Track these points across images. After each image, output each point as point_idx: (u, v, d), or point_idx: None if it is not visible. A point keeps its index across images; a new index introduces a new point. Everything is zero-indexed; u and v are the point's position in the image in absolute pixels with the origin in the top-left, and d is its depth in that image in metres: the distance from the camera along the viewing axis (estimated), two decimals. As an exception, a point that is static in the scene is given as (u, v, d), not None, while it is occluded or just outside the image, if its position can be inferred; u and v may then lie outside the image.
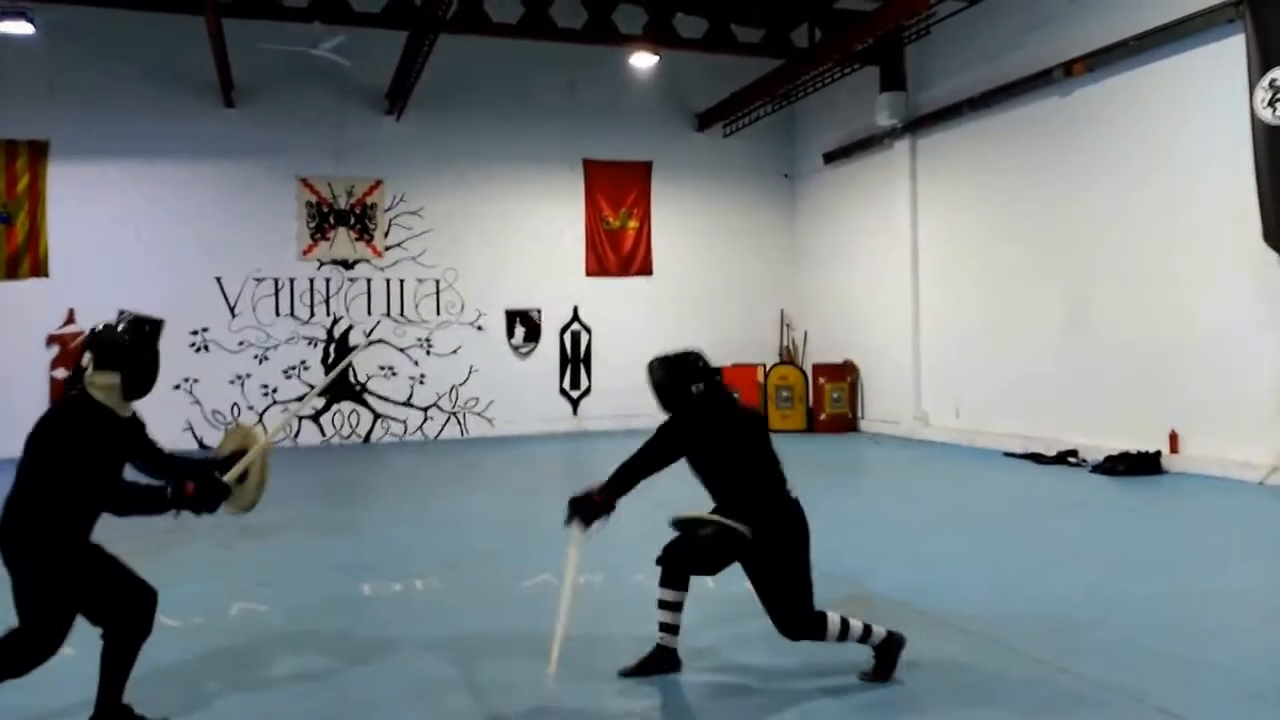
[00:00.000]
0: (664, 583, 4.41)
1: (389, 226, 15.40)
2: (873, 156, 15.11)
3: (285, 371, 14.83)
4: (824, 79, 14.74)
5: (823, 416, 15.60)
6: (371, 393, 15.16)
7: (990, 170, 12.94)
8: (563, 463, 13.10)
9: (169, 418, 13.14)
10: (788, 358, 16.72)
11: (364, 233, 15.27)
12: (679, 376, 4.36)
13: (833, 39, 13.36)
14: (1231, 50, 9.47)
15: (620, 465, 4.25)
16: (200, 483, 3.75)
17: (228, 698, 4.29)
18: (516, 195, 15.97)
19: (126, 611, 3.73)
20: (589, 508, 4.15)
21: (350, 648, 4.93)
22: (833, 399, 15.59)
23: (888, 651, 4.30)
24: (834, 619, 4.24)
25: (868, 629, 4.28)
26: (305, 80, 14.49)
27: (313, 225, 15.02)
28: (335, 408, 15.00)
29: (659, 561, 4.43)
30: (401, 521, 8.79)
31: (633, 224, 16.62)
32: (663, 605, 4.41)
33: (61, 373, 13.82)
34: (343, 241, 15.16)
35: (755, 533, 4.17)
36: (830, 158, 16.10)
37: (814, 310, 16.86)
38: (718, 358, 16.65)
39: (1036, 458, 11.33)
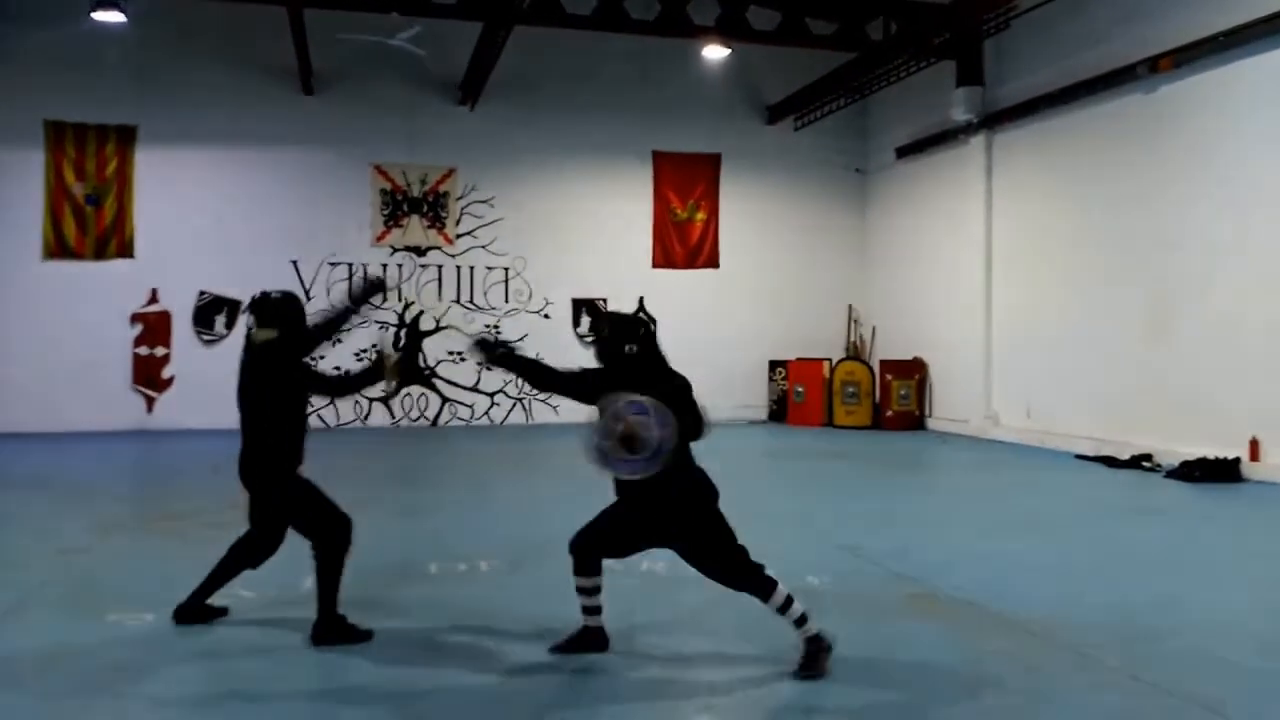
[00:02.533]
0: (576, 571, 4.53)
1: (460, 215, 15.61)
2: (947, 152, 14.88)
3: (356, 355, 15.07)
4: (898, 72, 14.55)
5: (889, 414, 15.44)
6: (440, 377, 15.38)
7: (1069, 168, 12.66)
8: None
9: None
10: (855, 353, 16.57)
11: (436, 220, 15.50)
12: (619, 334, 4.54)
13: (909, 32, 13.19)
14: (1328, 46, 9.16)
15: (540, 363, 4.69)
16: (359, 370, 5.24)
17: (295, 673, 4.41)
18: (585, 186, 16.07)
19: (333, 530, 4.72)
20: (490, 350, 4.63)
21: (414, 623, 5.04)
22: (900, 396, 15.42)
23: (815, 645, 4.27)
24: (782, 588, 4.29)
25: (804, 617, 4.28)
26: (381, 69, 14.73)
27: (386, 212, 15.30)
28: (405, 391, 15.26)
29: (570, 551, 4.53)
30: (468, 504, 8.93)
31: (700, 216, 16.60)
32: (580, 591, 4.54)
33: (144, 350, 14.30)
34: (415, 229, 15.41)
35: (674, 507, 4.33)
36: (903, 152, 15.90)
37: (883, 306, 16.68)
38: (783, 351, 16.64)
39: (1109, 461, 11.08)
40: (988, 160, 14.03)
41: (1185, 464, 10.13)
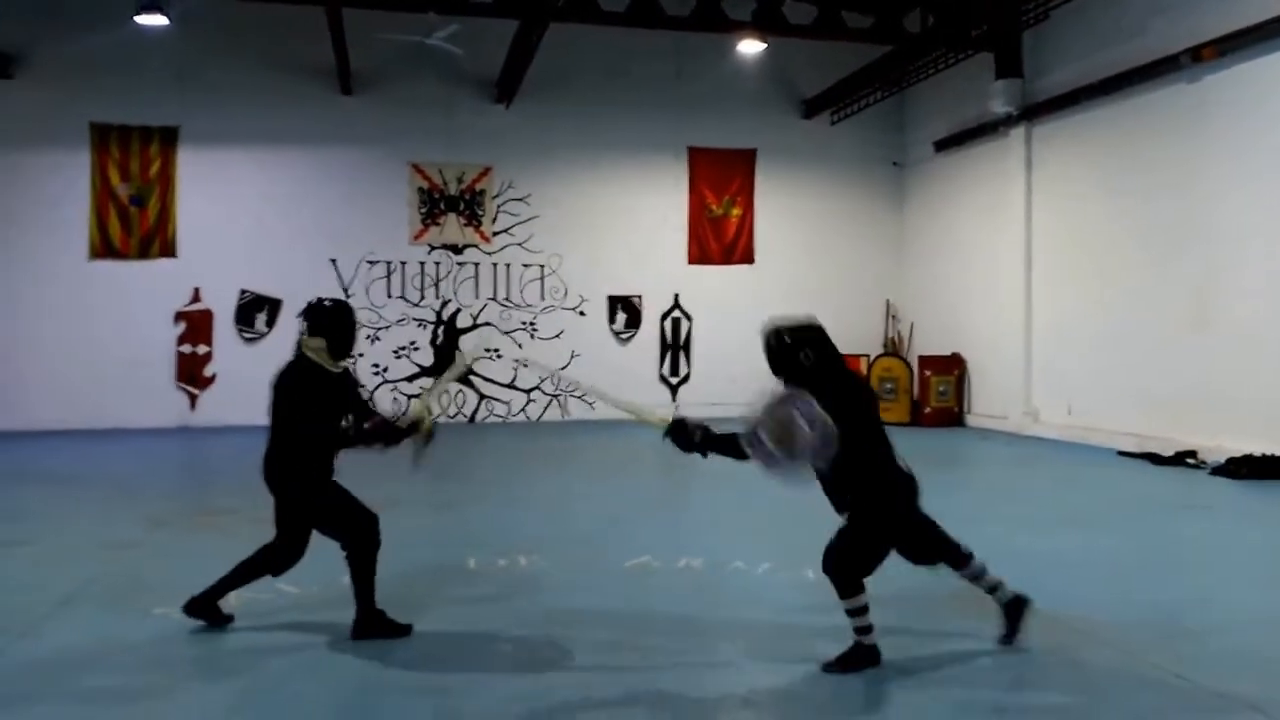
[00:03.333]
0: (841, 595, 4.32)
1: (497, 213, 15.69)
2: (986, 145, 14.72)
3: (395, 351, 15.29)
4: (936, 65, 14.43)
5: (928, 410, 15.32)
6: (477, 374, 15.49)
7: (1110, 160, 12.47)
8: (661, 450, 13.15)
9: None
10: (892, 349, 16.46)
11: (473, 218, 15.59)
12: (792, 343, 4.52)
13: (946, 25, 13.06)
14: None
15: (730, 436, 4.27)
16: (378, 423, 4.84)
17: (334, 666, 4.47)
18: (620, 182, 16.09)
19: (359, 531, 4.72)
20: (682, 438, 4.46)
21: (456, 618, 5.09)
22: (939, 392, 15.30)
23: (1016, 608, 4.51)
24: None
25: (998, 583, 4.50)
26: (419, 69, 14.83)
27: (424, 210, 15.42)
28: (446, 389, 15.37)
29: (825, 570, 4.35)
30: (506, 499, 8.98)
31: (736, 212, 16.56)
32: (849, 613, 4.32)
33: (187, 348, 14.54)
34: (452, 227, 15.51)
35: (865, 506, 4.34)
36: (942, 146, 15.76)
37: (921, 301, 16.55)
38: (821, 347, 16.11)
39: (1153, 458, 10.91)
40: (1027, 153, 13.86)
41: (1231, 461, 9.95)
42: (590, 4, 12.77)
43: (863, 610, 4.29)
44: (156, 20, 13.08)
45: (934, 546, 4.49)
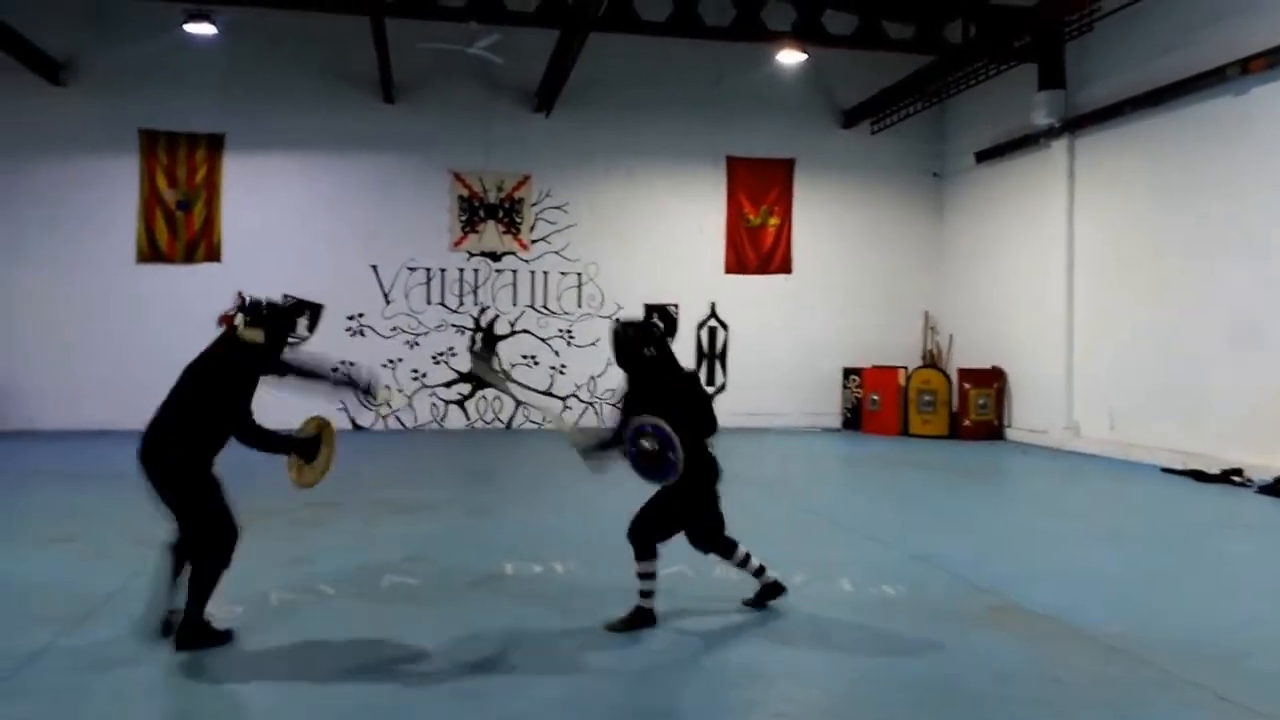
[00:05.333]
0: (639, 556, 5.10)
1: (535, 220, 15.79)
2: (1028, 156, 14.60)
3: (434, 357, 15.41)
4: (978, 76, 14.33)
5: (967, 423, 15.18)
6: (515, 381, 15.56)
7: (1155, 172, 12.31)
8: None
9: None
10: (931, 361, 16.33)
11: (511, 226, 15.71)
12: (636, 338, 5.20)
13: (988, 35, 12.97)
14: None
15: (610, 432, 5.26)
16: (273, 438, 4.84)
17: (378, 665, 4.52)
18: (658, 191, 16.13)
19: (220, 535, 4.59)
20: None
21: (493, 624, 5.11)
22: (978, 405, 15.15)
23: (772, 590, 5.37)
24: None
25: (762, 568, 5.34)
26: (459, 77, 15.00)
27: (463, 218, 15.55)
28: (480, 394, 15.48)
29: (628, 535, 5.13)
30: (542, 505, 9.01)
31: (773, 221, 16.53)
32: (640, 576, 5.09)
33: (229, 352, 14.72)
34: (491, 234, 15.63)
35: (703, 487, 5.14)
36: (983, 156, 15.64)
37: (960, 313, 16.41)
38: (857, 359, 16.42)
39: (1197, 475, 10.73)
40: (1070, 165, 13.72)
41: (1279, 479, 9.77)
42: (630, 14, 12.83)
43: (651, 575, 5.07)
44: (204, 29, 13.35)
45: (715, 535, 5.26)
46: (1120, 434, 12.69)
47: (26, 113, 14.14)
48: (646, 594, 5.09)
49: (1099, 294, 13.29)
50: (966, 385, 15.26)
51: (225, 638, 4.68)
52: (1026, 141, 14.44)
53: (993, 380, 15.20)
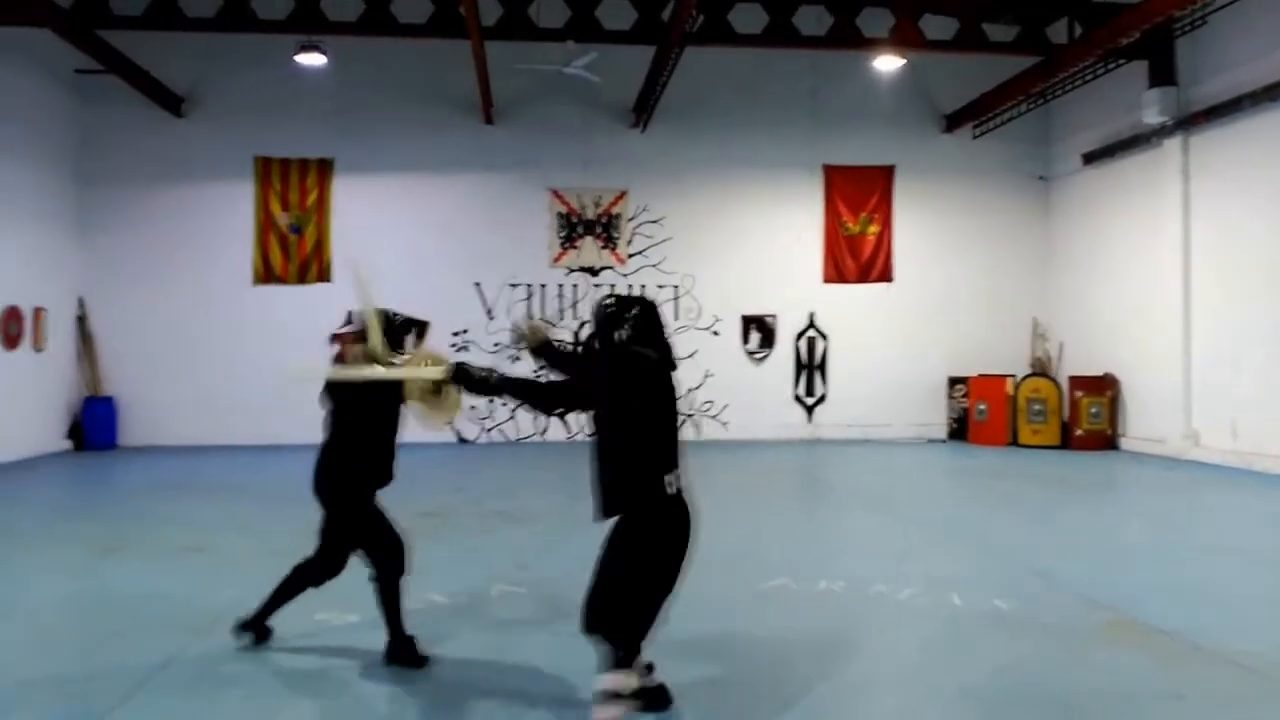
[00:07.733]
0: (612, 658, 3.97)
1: (632, 235, 15.92)
2: (1139, 156, 14.09)
3: (535, 372, 15.59)
4: (1084, 76, 13.92)
5: (1079, 433, 14.70)
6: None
7: (1274, 169, 11.76)
8: (796, 470, 13.07)
9: (431, 413, 14.20)
10: (1040, 369, 15.86)
11: (609, 241, 15.88)
12: (614, 314, 4.36)
13: (1095, 34, 12.60)
14: None
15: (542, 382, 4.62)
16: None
17: (490, 670, 4.61)
18: (754, 202, 16.09)
19: (393, 554, 4.77)
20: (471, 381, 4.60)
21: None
22: (1090, 414, 14.66)
23: None
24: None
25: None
26: (557, 97, 15.26)
27: (562, 234, 15.79)
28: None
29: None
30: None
31: (873, 229, 16.32)
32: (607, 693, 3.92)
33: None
34: (589, 249, 15.83)
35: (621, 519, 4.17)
36: (1090, 158, 15.17)
37: (1070, 320, 15.92)
38: (963, 367, 16.06)
39: (1329, 486, 10.21)
40: (1184, 164, 13.20)
41: None
42: (725, 27, 12.87)
43: (627, 695, 3.93)
44: (314, 59, 13.89)
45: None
46: (1244, 443, 12.12)
47: (153, 143, 14.94)
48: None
49: (1218, 296, 12.74)
50: (1078, 393, 14.78)
51: (423, 662, 4.68)
52: (1137, 141, 13.96)
53: (1105, 388, 14.69)
